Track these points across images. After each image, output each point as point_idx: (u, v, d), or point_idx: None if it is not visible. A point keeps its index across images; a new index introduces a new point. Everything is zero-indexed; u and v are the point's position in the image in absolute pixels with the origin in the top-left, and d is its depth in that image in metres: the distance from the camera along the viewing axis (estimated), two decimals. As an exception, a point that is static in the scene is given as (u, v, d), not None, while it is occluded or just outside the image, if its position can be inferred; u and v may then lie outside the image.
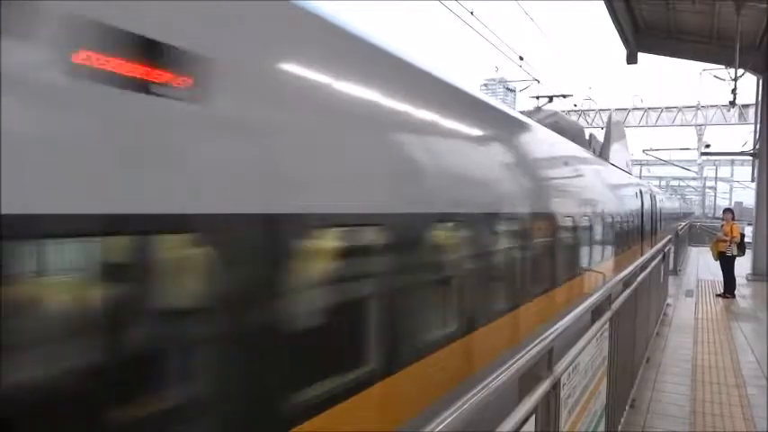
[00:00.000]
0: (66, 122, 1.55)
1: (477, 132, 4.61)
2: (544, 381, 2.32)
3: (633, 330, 5.21)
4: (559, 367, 2.52)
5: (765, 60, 14.93)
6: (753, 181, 16.98)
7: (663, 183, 51.56)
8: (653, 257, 7.26)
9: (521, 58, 19.69)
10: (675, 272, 15.43)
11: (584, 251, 7.95)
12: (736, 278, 12.84)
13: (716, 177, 53.21)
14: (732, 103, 15.56)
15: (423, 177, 3.43)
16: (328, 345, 2.58)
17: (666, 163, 43.06)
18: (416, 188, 3.35)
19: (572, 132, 9.77)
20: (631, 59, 16.30)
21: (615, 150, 13.53)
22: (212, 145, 1.96)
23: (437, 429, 1.50)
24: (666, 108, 33.81)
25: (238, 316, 2.01)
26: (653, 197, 17.68)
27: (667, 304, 10.42)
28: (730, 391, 6.03)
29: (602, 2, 13.63)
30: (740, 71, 14.55)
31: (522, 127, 6.05)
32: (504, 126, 5.46)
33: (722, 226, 13.63)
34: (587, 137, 12.08)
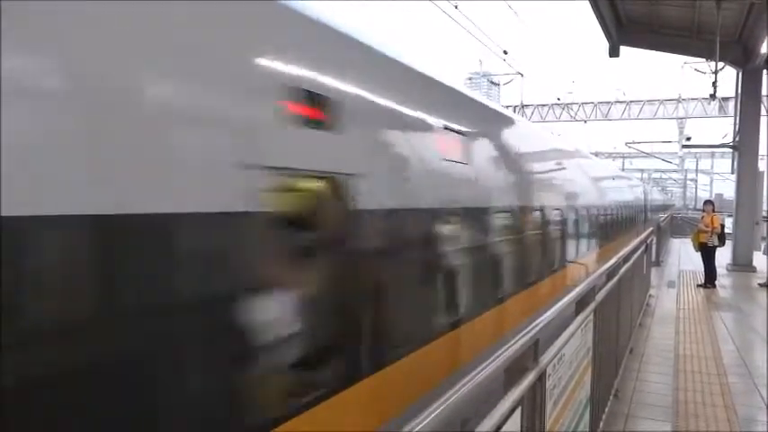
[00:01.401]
0: None
1: None
2: (530, 372, 2.32)
3: (617, 321, 5.26)
4: (545, 358, 2.53)
5: (745, 53, 15.12)
6: (733, 173, 17.21)
7: (645, 175, 52.15)
8: (635, 249, 7.31)
9: (505, 52, 19.75)
10: (658, 263, 15.61)
11: None
12: (717, 269, 13.03)
13: (696, 170, 53.88)
14: (713, 96, 15.73)
15: None
16: None
17: (648, 155, 43.52)
18: None
19: None
20: (614, 53, 16.40)
21: None
22: None
23: (422, 425, 1.48)
24: (648, 101, 34.05)
25: None
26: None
27: (650, 295, 10.54)
28: (712, 379, 6.12)
29: (585, -5, 13.66)
30: (720, 64, 14.70)
31: None
32: None
33: (702, 217, 13.81)
34: None
